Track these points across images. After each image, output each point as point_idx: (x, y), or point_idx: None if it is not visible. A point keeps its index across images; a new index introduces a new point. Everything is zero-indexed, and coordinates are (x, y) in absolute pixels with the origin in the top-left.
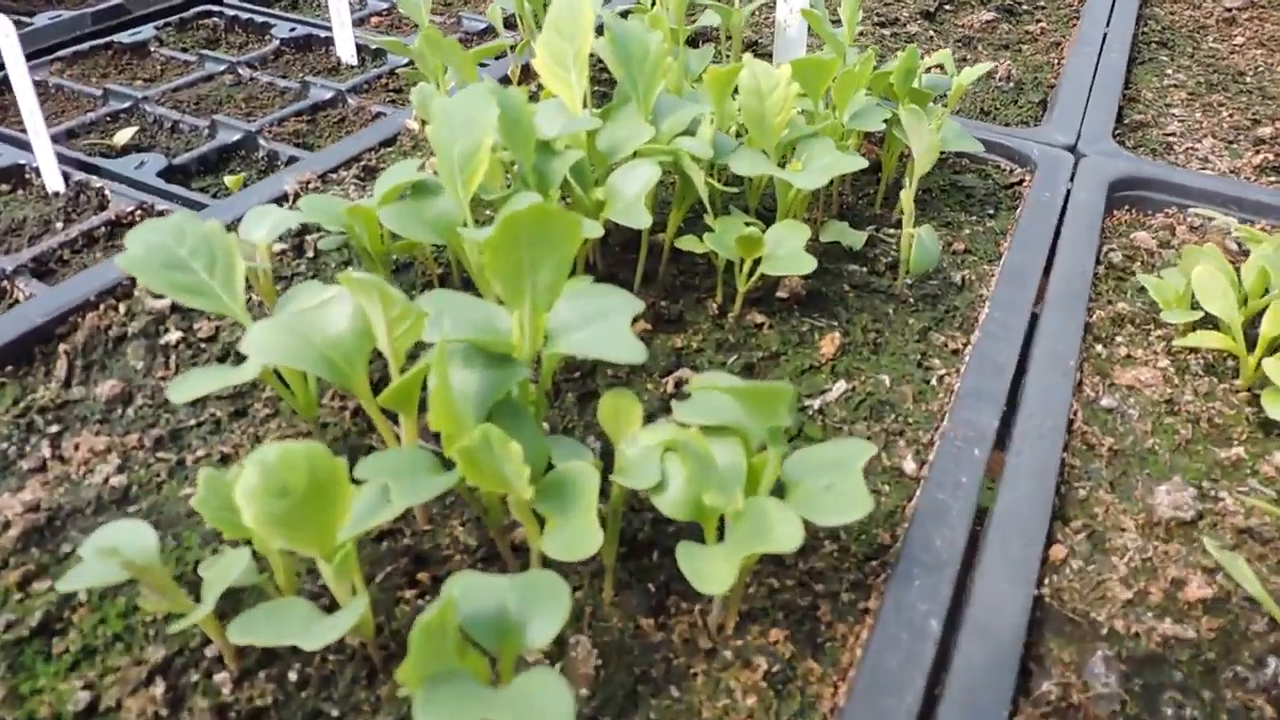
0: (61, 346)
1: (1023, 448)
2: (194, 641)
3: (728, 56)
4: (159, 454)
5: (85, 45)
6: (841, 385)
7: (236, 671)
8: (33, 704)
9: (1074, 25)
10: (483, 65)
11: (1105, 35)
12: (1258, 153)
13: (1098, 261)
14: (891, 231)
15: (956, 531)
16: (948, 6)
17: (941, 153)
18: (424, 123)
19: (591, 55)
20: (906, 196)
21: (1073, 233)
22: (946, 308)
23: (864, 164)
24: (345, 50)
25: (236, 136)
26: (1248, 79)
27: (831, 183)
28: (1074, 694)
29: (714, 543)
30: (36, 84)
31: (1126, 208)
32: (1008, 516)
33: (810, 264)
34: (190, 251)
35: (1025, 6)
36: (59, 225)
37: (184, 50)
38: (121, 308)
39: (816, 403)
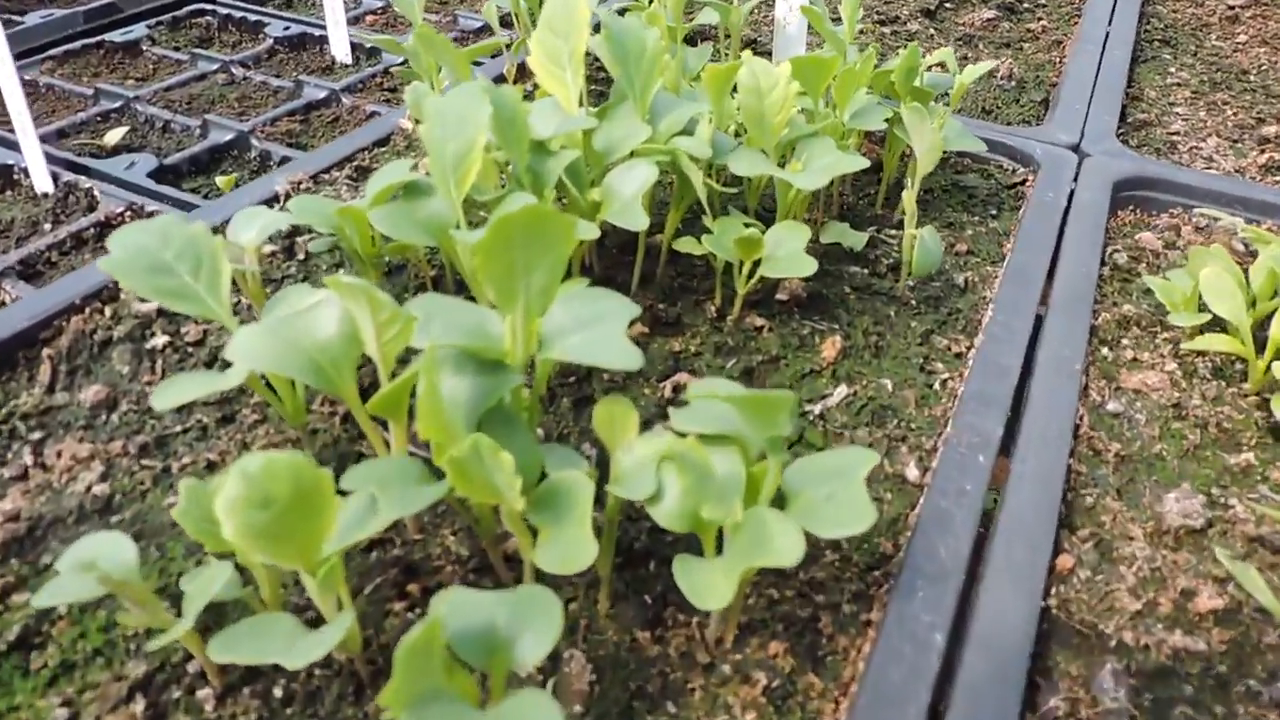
0: (45, 351)
1: (1028, 454)
2: (176, 656)
3: (726, 54)
4: (143, 461)
5: (77, 44)
6: (843, 390)
7: (220, 688)
8: None
9: (1075, 23)
10: (478, 64)
11: (1107, 33)
12: (1263, 152)
13: (1102, 263)
14: (893, 232)
15: (961, 540)
16: (948, 4)
17: (943, 152)
18: (418, 122)
19: (588, 53)
20: (908, 197)
21: (1077, 233)
22: (949, 310)
23: (865, 164)
24: (339, 49)
25: (228, 136)
26: (1251, 77)
27: (832, 183)
28: (1082, 709)
29: (712, 555)
30: (28, 83)
31: (1131, 208)
32: (1013, 525)
33: (811, 266)
34: (175, 255)
35: (1026, 4)
36: (47, 227)
37: (176, 49)
38: (107, 311)
39: (817, 408)
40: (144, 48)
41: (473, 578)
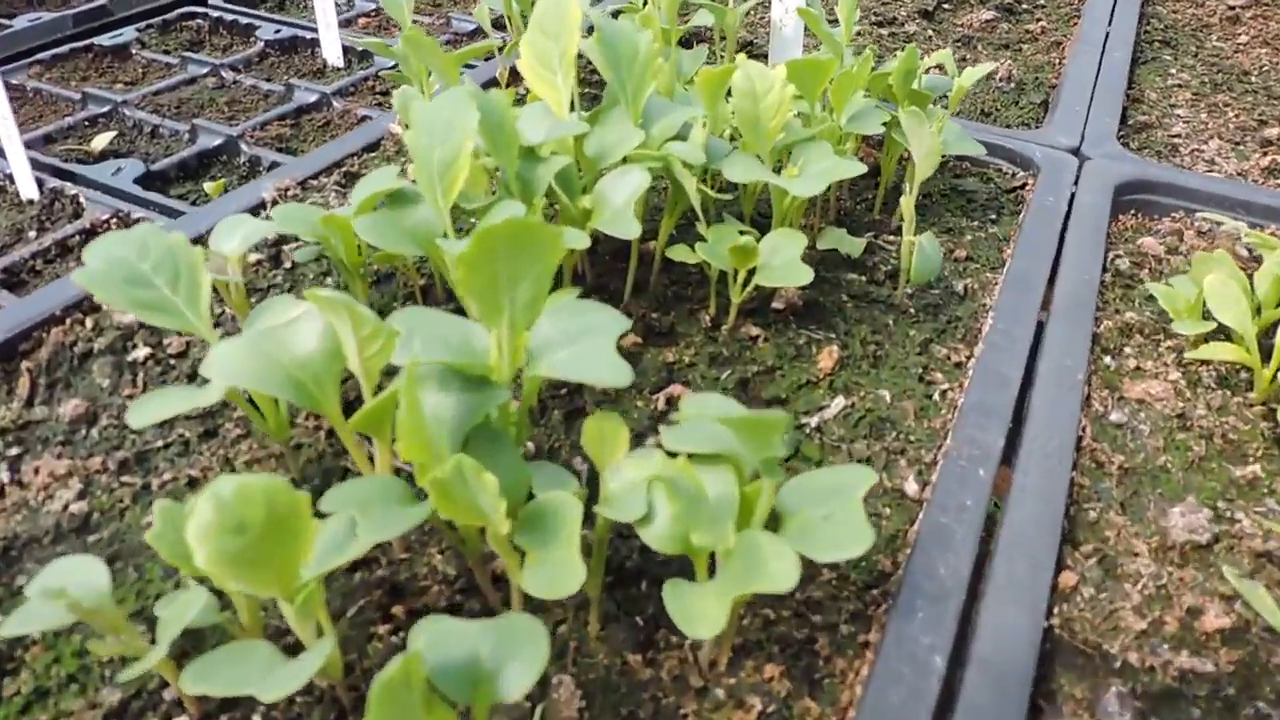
0: (24, 364)
1: (1029, 466)
2: (152, 683)
3: (722, 57)
4: (123, 478)
5: (65, 48)
6: (840, 401)
7: (197, 716)
8: None
9: (1075, 24)
10: (471, 67)
11: (1107, 34)
12: (1265, 154)
13: (1104, 269)
14: (891, 238)
15: (961, 558)
16: (946, 5)
17: (942, 156)
18: (407, 127)
19: (581, 56)
20: (907, 202)
21: (1078, 238)
22: (949, 318)
23: (863, 169)
24: (331, 52)
25: (217, 141)
26: (1253, 78)
27: (829, 188)
28: None
29: (704, 578)
30: (15, 87)
31: (1132, 212)
32: (1015, 541)
33: (807, 275)
34: (153, 266)
35: (1025, 5)
36: (32, 234)
37: (166, 52)
38: (88, 322)
39: (814, 420)
40: (133, 51)
41: (460, 598)
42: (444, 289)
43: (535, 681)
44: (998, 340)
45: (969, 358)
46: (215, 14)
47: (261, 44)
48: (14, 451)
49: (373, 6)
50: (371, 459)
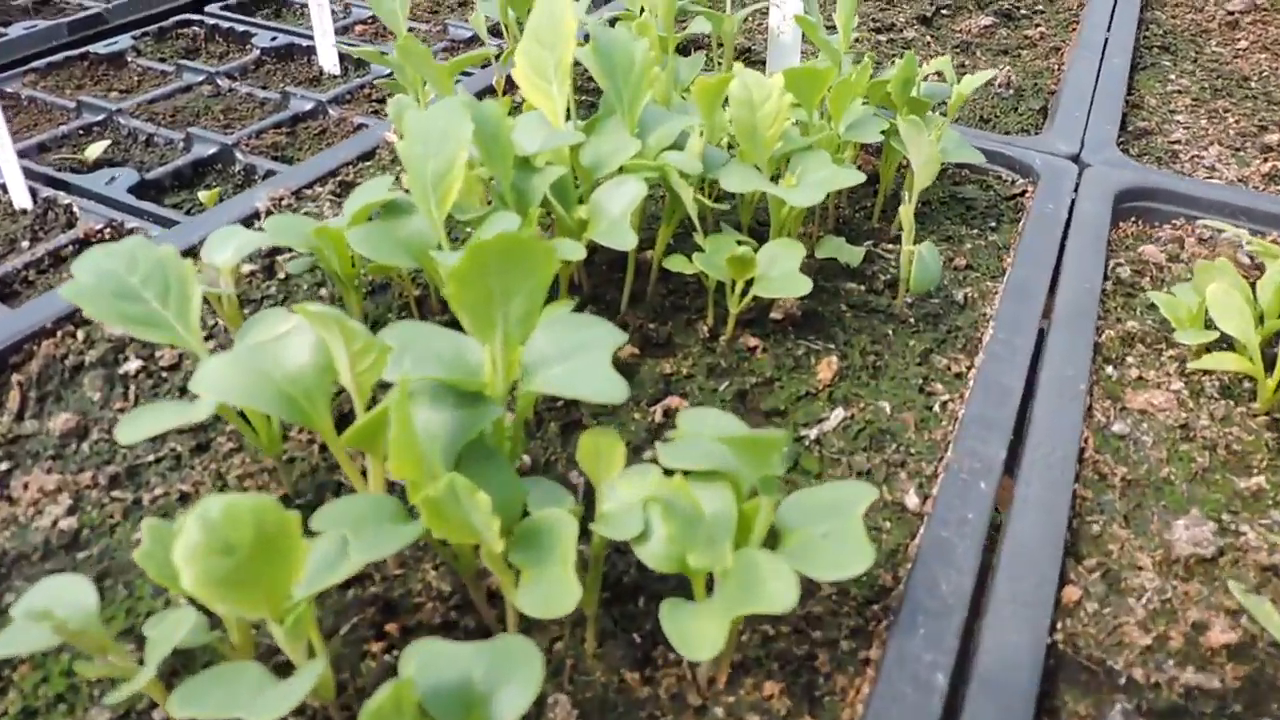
0: (15, 377)
1: (1031, 479)
2: (141, 703)
3: (719, 64)
4: (113, 493)
5: (60, 55)
6: (839, 413)
7: None
8: None
9: (1074, 30)
10: (467, 75)
11: (1106, 39)
12: (1266, 160)
13: (1105, 277)
14: (890, 247)
15: (963, 573)
16: (945, 11)
17: (941, 163)
18: (402, 136)
19: (577, 64)
20: (906, 211)
21: (1078, 246)
22: (949, 328)
23: (861, 178)
24: (327, 60)
25: (212, 150)
26: (1252, 84)
27: (827, 196)
28: None
29: (702, 597)
30: (9, 96)
31: (1133, 219)
32: (1017, 555)
33: (806, 286)
34: (142, 279)
35: (1024, 11)
36: (25, 244)
37: (162, 60)
38: (80, 335)
39: (813, 432)
40: (129, 59)
41: (454, 615)
42: (439, 300)
43: (530, 705)
44: (998, 350)
45: (969, 368)
46: (211, 21)
47: (257, 51)
48: (3, 466)
49: (369, 13)
50: (365, 473)
